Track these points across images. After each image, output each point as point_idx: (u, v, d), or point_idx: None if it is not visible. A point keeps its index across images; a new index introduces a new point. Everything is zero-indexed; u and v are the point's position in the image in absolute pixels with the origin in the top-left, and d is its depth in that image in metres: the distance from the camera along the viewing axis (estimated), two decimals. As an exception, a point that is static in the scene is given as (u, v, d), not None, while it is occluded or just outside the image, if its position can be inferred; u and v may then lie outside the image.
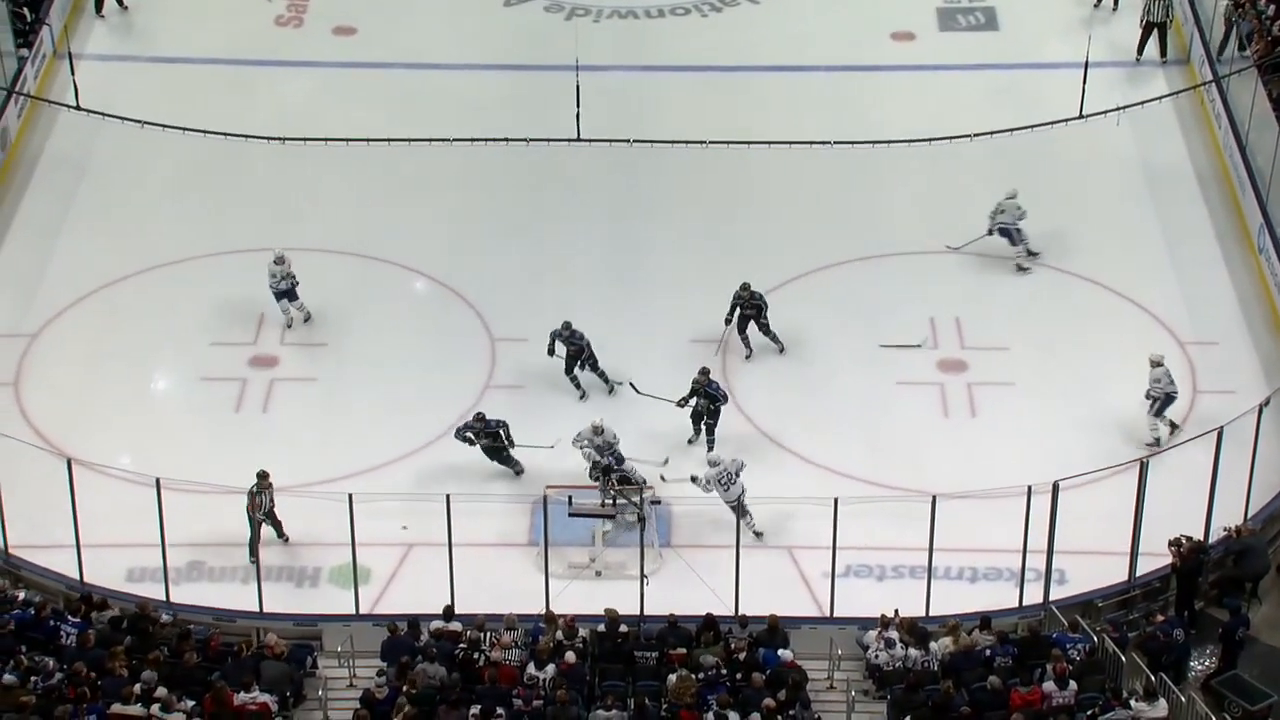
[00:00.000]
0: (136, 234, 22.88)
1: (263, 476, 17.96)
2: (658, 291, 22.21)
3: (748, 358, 20.89)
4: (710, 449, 19.26)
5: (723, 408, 19.51)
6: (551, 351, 20.41)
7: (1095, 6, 27.24)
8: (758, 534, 18.24)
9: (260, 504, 17.86)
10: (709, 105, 25.34)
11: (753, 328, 20.95)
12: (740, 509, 18.13)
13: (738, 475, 18.21)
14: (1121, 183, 23.96)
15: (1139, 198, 23.71)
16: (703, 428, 19.59)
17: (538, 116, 23.72)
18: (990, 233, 22.53)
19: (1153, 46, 26.07)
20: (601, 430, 18.57)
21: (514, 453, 19.23)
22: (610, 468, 18.36)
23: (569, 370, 20.43)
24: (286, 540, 18.32)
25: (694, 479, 18.37)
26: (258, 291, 21.89)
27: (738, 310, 20.88)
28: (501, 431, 19.16)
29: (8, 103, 23.95)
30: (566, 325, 20.31)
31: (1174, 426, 19.69)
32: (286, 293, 21.37)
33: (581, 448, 18.63)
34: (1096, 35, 24.60)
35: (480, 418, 19.15)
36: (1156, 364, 19.70)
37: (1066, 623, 17.13)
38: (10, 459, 18.52)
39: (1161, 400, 19.59)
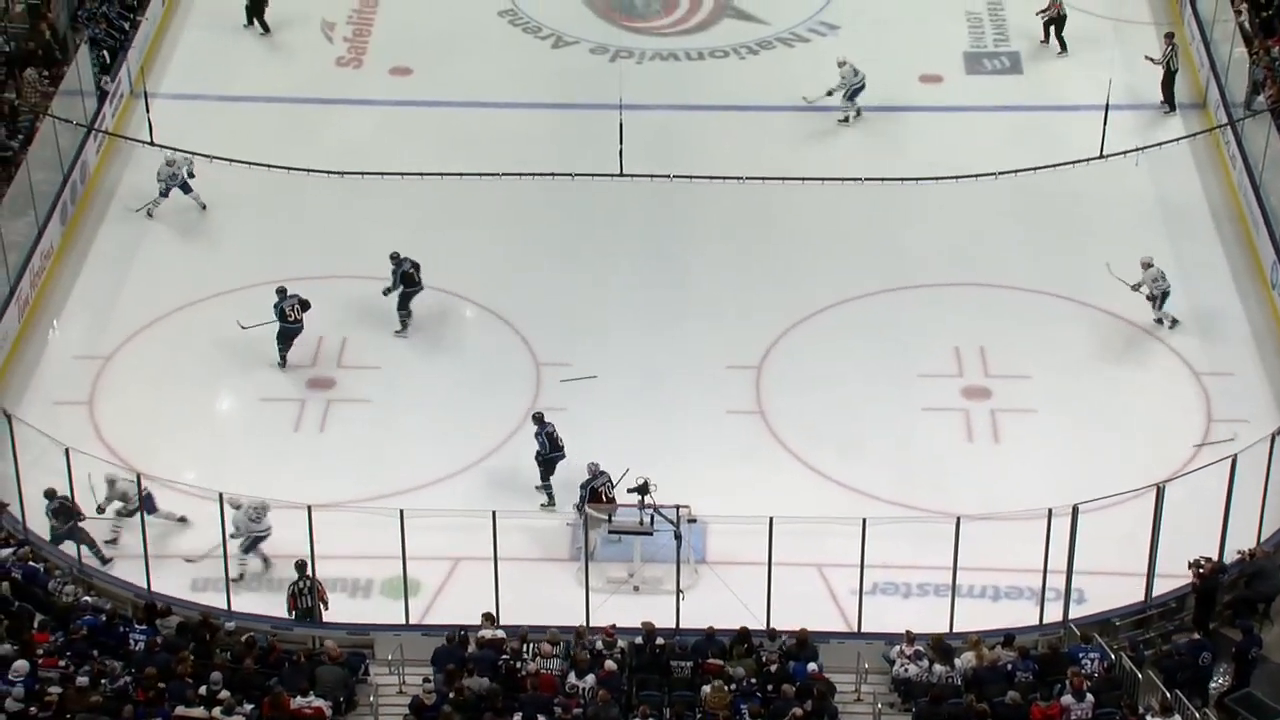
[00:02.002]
0: (204, 263, 23.08)
1: (301, 567, 17.51)
2: (694, 319, 22.23)
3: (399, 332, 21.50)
4: (548, 500, 19.10)
5: (555, 459, 19.06)
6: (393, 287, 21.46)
7: (1042, 42, 27.17)
8: (266, 562, 18.18)
9: (300, 602, 17.52)
10: (745, 142, 25.39)
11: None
12: (254, 544, 18.04)
13: (265, 514, 18.00)
14: (1140, 220, 23.83)
15: (1156, 235, 23.55)
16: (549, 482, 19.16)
17: (582, 152, 23.84)
18: (831, 94, 25.40)
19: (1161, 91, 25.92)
20: (238, 506, 18.19)
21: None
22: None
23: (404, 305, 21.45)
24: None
25: (236, 507, 17.98)
26: (315, 317, 22.06)
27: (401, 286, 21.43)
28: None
29: (88, 139, 24.23)
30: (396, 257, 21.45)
31: (1175, 322, 21.43)
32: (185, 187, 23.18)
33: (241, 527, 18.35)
34: (1117, 80, 24.51)
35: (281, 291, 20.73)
36: (1148, 265, 21.21)
37: (1081, 636, 17.01)
38: (84, 474, 18.70)
39: (1160, 297, 21.20)
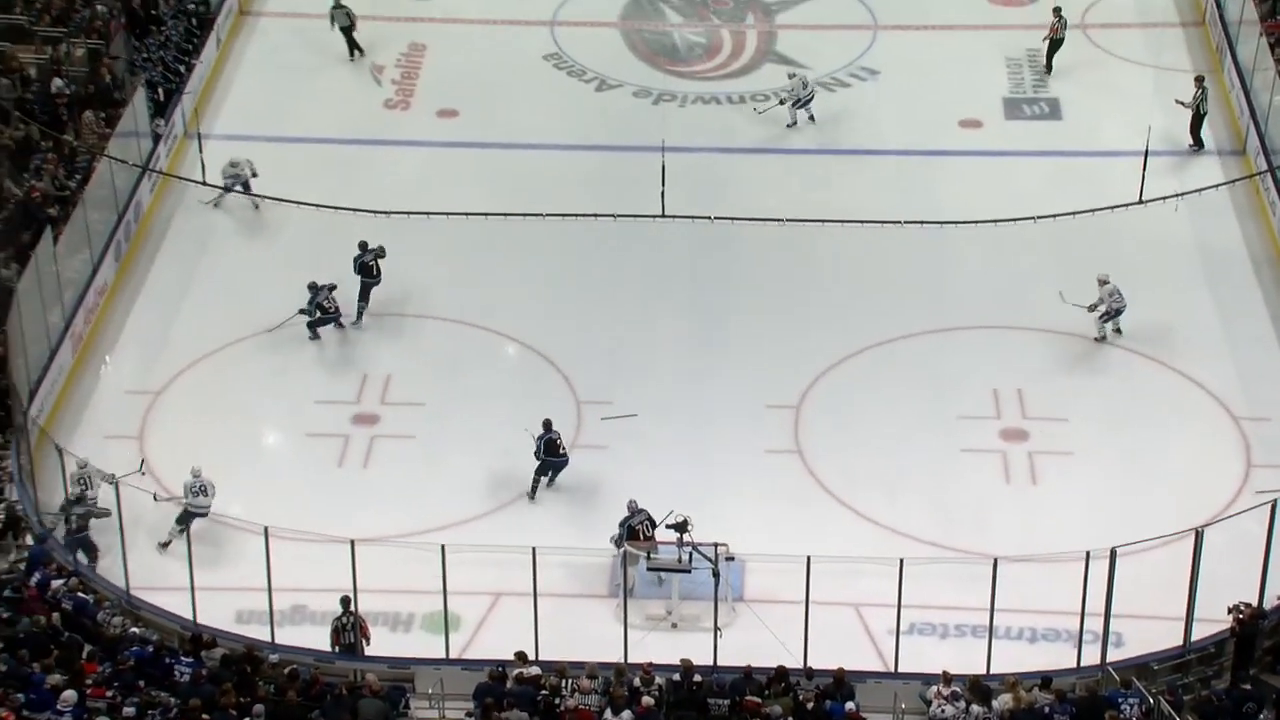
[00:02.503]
0: (252, 299, 23.25)
1: (345, 603, 17.59)
2: (734, 359, 22.26)
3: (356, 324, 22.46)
4: (532, 495, 19.90)
5: (549, 464, 19.77)
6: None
7: (1048, 72, 27.65)
8: (163, 544, 18.86)
9: (343, 638, 17.58)
10: (786, 185, 25.46)
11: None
12: (189, 518, 18.68)
13: (207, 494, 18.87)
14: (1179, 265, 23.73)
15: (1195, 280, 23.46)
16: (539, 479, 19.91)
17: (625, 193, 23.97)
18: (783, 103, 26.38)
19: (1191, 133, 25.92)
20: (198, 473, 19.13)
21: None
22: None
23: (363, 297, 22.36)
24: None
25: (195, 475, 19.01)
26: (361, 354, 22.25)
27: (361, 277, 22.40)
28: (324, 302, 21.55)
29: (142, 178, 24.53)
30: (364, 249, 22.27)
31: (1119, 332, 21.95)
32: (246, 186, 24.13)
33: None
34: (1156, 126, 24.48)
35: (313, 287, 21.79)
36: (1104, 282, 21.65)
37: (1120, 681, 16.86)
38: (134, 507, 18.90)
39: (1115, 312, 21.65)
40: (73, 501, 18.65)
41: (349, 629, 17.62)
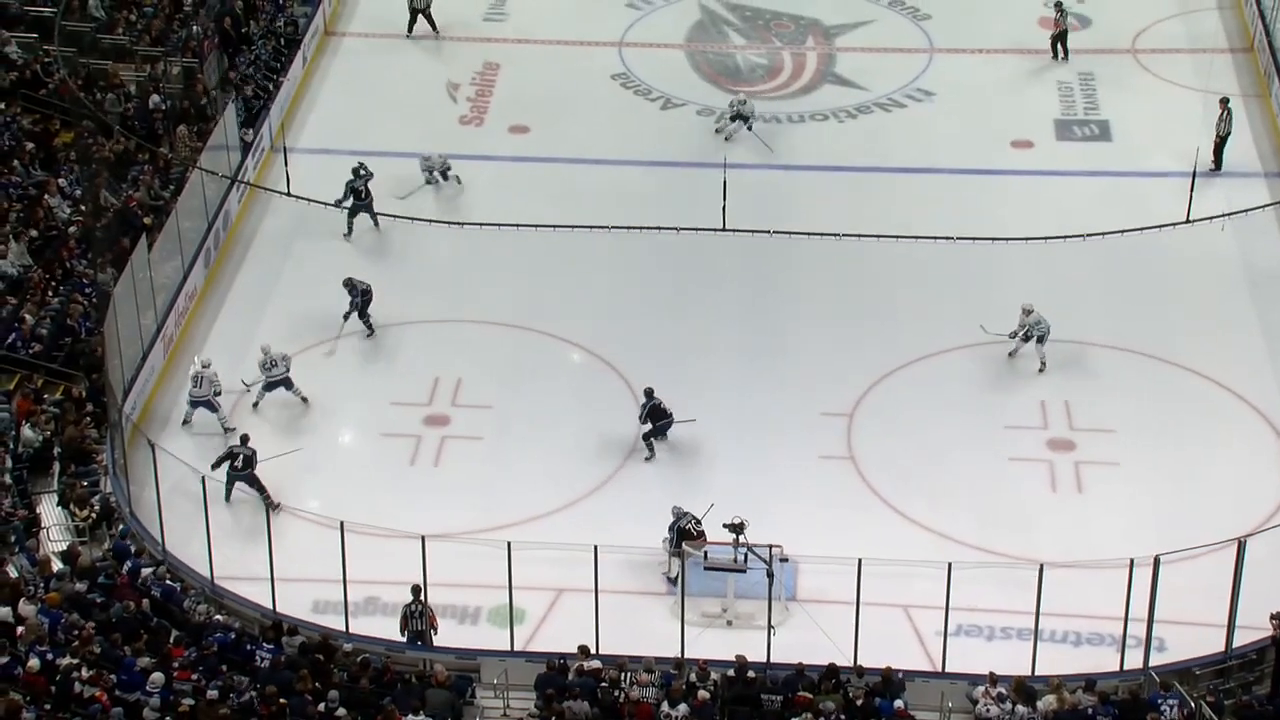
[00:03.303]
0: (331, 306, 23.40)
1: (416, 590, 17.70)
2: (790, 368, 22.18)
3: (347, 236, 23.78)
4: (649, 455, 20.39)
5: (662, 427, 20.39)
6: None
7: (1054, 58, 28.08)
8: (255, 404, 20.90)
9: (411, 624, 17.67)
10: (842, 201, 25.34)
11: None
12: (271, 387, 20.70)
13: (281, 363, 20.80)
14: (1225, 284, 23.38)
15: (1240, 297, 23.11)
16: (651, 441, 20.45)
17: (687, 208, 23.95)
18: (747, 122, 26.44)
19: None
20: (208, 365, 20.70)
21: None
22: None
23: (359, 314, 22.39)
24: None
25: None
26: (433, 358, 22.35)
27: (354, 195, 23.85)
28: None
29: (231, 189, 24.83)
30: (349, 281, 22.40)
31: (1042, 364, 21.65)
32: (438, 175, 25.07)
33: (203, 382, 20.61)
34: (1204, 148, 24.13)
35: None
36: (1029, 311, 21.59)
37: (1162, 684, 16.63)
38: (219, 501, 19.14)
39: (1036, 337, 21.49)
40: (239, 461, 19.51)
41: (417, 616, 17.72)
